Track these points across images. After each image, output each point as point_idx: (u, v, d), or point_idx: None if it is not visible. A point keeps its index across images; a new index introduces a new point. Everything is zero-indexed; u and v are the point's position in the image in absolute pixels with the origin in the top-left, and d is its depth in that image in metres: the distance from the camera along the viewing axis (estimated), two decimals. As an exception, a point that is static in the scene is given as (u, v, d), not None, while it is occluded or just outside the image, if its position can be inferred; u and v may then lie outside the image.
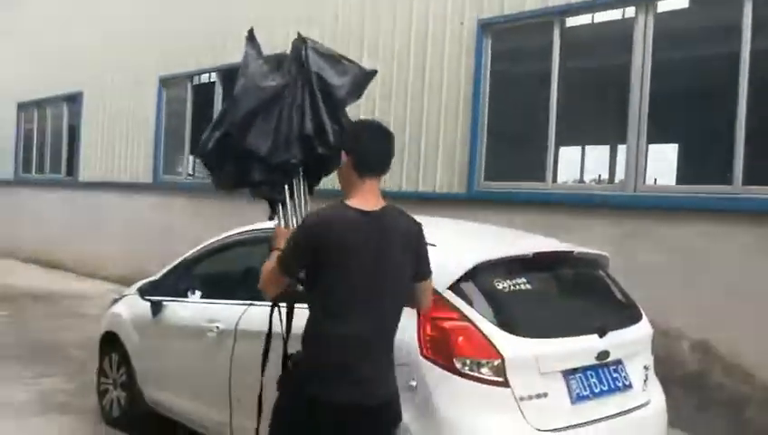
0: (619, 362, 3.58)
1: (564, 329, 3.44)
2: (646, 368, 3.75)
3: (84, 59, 13.29)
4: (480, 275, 3.34)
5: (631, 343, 3.69)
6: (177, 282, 4.78)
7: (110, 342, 5.33)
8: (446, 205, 7.18)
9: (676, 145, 7.54)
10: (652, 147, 6.44)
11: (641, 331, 3.81)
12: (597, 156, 6.68)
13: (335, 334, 2.71)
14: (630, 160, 6.06)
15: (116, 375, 5.25)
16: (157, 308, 4.77)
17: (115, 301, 5.52)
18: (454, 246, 3.62)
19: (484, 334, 3.16)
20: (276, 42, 4.13)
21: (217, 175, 3.57)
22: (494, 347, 3.14)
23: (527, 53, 7.22)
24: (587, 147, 7.09)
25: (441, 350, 3.17)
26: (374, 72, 3.65)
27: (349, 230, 2.70)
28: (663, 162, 7.47)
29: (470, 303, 3.26)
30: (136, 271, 8.58)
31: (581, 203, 6.37)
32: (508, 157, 7.34)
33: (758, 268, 5.32)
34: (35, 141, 15.34)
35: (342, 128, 3.29)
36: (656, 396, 3.79)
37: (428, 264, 2.91)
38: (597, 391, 3.42)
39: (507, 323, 3.25)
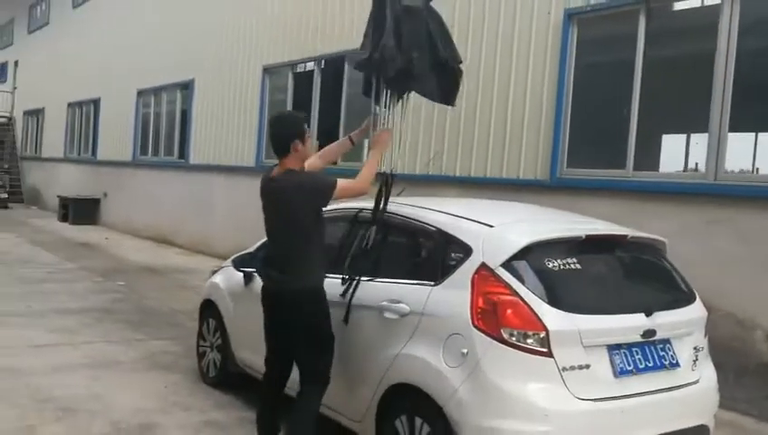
0: (666, 341, 3.75)
1: (610, 307, 3.66)
2: (696, 349, 3.89)
3: (197, 49, 14.17)
4: (531, 255, 3.60)
5: (681, 324, 3.85)
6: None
7: (209, 308, 5.90)
8: (528, 191, 7.38)
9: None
10: (742, 135, 6.42)
11: (693, 313, 3.96)
12: (678, 144, 6.69)
13: (266, 253, 4.49)
14: (712, 147, 6.07)
15: (212, 339, 5.81)
16: (248, 278, 5.26)
17: (214, 272, 6.07)
18: (509, 227, 3.90)
19: (530, 308, 3.43)
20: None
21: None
22: (540, 320, 3.40)
23: (612, 42, 7.27)
24: (669, 135, 7.09)
25: (490, 321, 3.46)
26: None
27: (263, 190, 4.25)
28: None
29: (520, 279, 3.54)
30: (240, 247, 9.14)
31: (659, 190, 6.42)
32: (590, 145, 7.44)
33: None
34: (152, 126, 16.44)
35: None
36: (706, 376, 3.93)
37: (323, 187, 4.05)
38: (641, 366, 3.61)
39: (553, 298, 3.50)
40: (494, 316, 3.47)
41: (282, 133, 4.18)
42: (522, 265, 3.59)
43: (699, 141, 6.06)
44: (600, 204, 6.73)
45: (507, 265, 3.57)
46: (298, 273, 4.08)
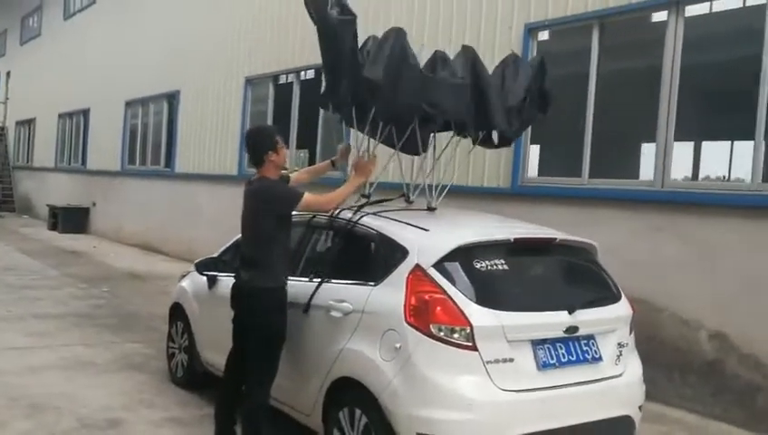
0: (591, 337, 4.02)
1: (534, 305, 3.93)
2: (620, 344, 4.15)
3: (183, 60, 14.48)
4: (461, 256, 3.87)
5: (605, 322, 4.11)
6: (232, 259, 5.51)
7: (177, 311, 6.15)
8: (492, 198, 7.65)
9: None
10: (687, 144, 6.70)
11: (618, 311, 4.22)
12: (632, 153, 6.97)
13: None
14: (659, 156, 6.35)
15: (180, 340, 6.06)
16: (212, 281, 5.53)
17: (183, 276, 6.33)
18: (444, 231, 4.18)
19: (457, 305, 3.70)
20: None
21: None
22: (465, 316, 3.67)
23: (569, 56, 7.56)
24: (623, 144, 7.38)
25: (421, 317, 3.73)
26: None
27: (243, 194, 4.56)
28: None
29: (450, 279, 3.80)
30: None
31: (612, 197, 6.70)
32: (550, 154, 7.72)
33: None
34: (139, 136, 16.73)
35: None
36: (630, 370, 4.18)
37: (288, 197, 4.40)
38: (564, 360, 3.88)
39: (480, 296, 3.76)
40: (424, 313, 3.73)
41: (257, 146, 4.54)
42: (452, 266, 3.86)
43: (648, 151, 6.32)
44: (558, 210, 7.03)
45: (438, 265, 3.84)
46: (259, 272, 4.40)
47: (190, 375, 5.91)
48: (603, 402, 4.00)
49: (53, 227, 18.83)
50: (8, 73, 27.48)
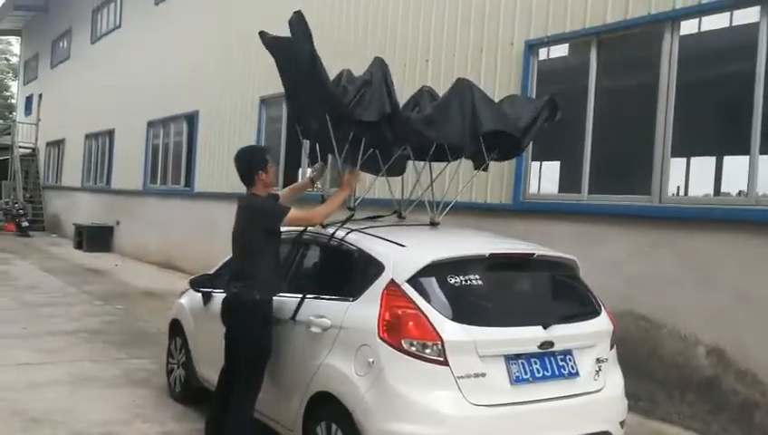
0: (568, 352, 4.02)
1: (508, 320, 3.95)
2: (599, 360, 4.14)
3: (201, 81, 14.75)
4: (434, 272, 3.91)
5: (582, 337, 4.11)
6: (227, 276, 5.60)
7: (176, 328, 6.26)
8: (494, 215, 7.68)
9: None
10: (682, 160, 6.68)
11: (597, 327, 4.21)
12: (631, 169, 6.95)
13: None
14: (656, 172, 6.33)
15: (179, 356, 6.15)
16: (207, 298, 5.62)
17: (183, 293, 6.44)
18: (420, 247, 4.21)
19: (429, 321, 3.73)
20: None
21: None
22: (436, 331, 3.70)
23: (568, 72, 7.59)
24: (621, 160, 7.35)
25: (394, 332, 3.77)
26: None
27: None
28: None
29: (423, 294, 3.84)
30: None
31: (611, 213, 6.68)
32: (550, 170, 7.72)
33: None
34: (161, 155, 17.03)
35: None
36: (610, 385, 4.17)
37: (274, 212, 4.53)
38: (539, 375, 3.88)
39: (452, 312, 3.79)
40: (397, 328, 3.77)
41: (247, 167, 4.72)
42: (426, 281, 3.90)
43: (646, 166, 6.32)
44: (558, 226, 7.04)
45: (413, 281, 3.88)
46: (246, 285, 4.52)
47: (188, 390, 6.00)
48: (580, 418, 3.99)
49: (79, 245, 19.19)
50: (40, 96, 28.17)
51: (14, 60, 45.80)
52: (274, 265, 4.67)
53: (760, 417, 5.55)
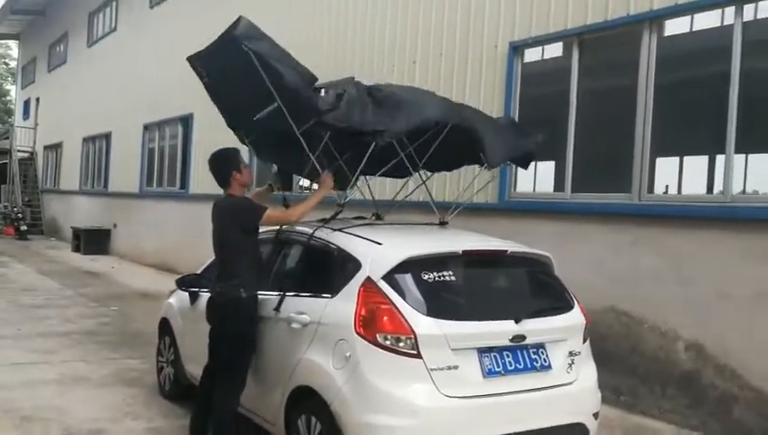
0: (540, 345, 4.13)
1: (480, 314, 4.05)
2: (572, 353, 4.24)
3: (195, 84, 14.79)
4: (408, 268, 4.02)
5: (554, 331, 4.22)
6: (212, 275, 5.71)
7: (165, 327, 6.38)
8: (480, 214, 7.77)
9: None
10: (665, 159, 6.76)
11: (569, 321, 4.32)
12: (614, 167, 7.06)
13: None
14: (636, 170, 6.44)
15: (168, 355, 6.27)
16: (193, 297, 5.74)
17: (171, 292, 6.55)
18: (395, 244, 4.32)
19: (402, 315, 3.84)
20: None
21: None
22: (410, 325, 3.81)
23: (551, 73, 7.70)
24: (604, 159, 7.45)
25: (369, 327, 3.88)
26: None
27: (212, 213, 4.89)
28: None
29: (398, 289, 3.95)
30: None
31: (593, 211, 6.80)
32: (535, 170, 7.83)
33: None
34: (156, 158, 17.15)
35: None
36: (583, 378, 4.27)
37: (251, 212, 4.67)
38: (511, 368, 3.99)
39: (425, 307, 3.90)
40: (372, 323, 3.88)
41: (221, 168, 4.93)
42: (400, 278, 4.01)
43: (626, 165, 6.44)
44: (543, 224, 7.15)
45: (387, 277, 3.99)
46: (230, 283, 4.66)
47: (177, 388, 6.10)
48: (553, 410, 4.10)
49: (77, 248, 19.32)
50: (38, 100, 28.30)
51: (13, 64, 45.94)
52: (256, 263, 4.80)
53: (738, 410, 5.66)
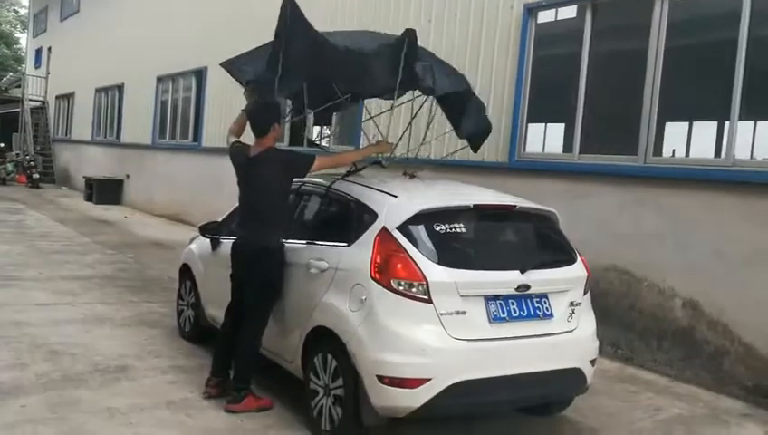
0: (544, 295, 4.40)
1: (488, 264, 4.33)
2: (573, 304, 4.52)
3: (210, 37, 14.96)
4: (422, 220, 4.29)
5: (557, 282, 4.49)
6: (234, 223, 5.98)
7: (185, 272, 6.67)
8: (490, 173, 8.01)
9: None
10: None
11: (571, 273, 4.59)
12: (621, 130, 7.27)
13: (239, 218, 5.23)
14: (643, 133, 6.65)
15: (188, 298, 6.58)
16: (215, 244, 6.02)
17: (192, 240, 6.84)
18: (410, 197, 4.57)
19: (415, 263, 4.12)
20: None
21: None
22: (422, 273, 4.09)
23: (564, 35, 7.86)
24: (610, 121, 7.66)
25: (384, 273, 4.16)
26: None
27: (242, 165, 5.02)
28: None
29: (411, 239, 4.23)
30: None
31: (600, 172, 7.02)
32: (544, 130, 8.04)
33: None
34: (169, 111, 17.34)
35: None
36: (582, 327, 4.55)
37: (304, 160, 4.88)
38: (515, 315, 4.28)
39: (436, 256, 4.18)
40: (386, 269, 4.16)
41: (264, 118, 5.03)
42: (415, 229, 4.28)
43: (634, 128, 6.64)
44: (552, 184, 7.37)
45: (402, 228, 4.26)
46: (261, 233, 4.91)
47: (196, 329, 6.43)
48: (553, 355, 4.39)
49: (89, 198, 19.62)
50: (49, 49, 28.35)
51: (23, 12, 45.77)
52: (289, 212, 5.13)
53: (728, 364, 5.96)
